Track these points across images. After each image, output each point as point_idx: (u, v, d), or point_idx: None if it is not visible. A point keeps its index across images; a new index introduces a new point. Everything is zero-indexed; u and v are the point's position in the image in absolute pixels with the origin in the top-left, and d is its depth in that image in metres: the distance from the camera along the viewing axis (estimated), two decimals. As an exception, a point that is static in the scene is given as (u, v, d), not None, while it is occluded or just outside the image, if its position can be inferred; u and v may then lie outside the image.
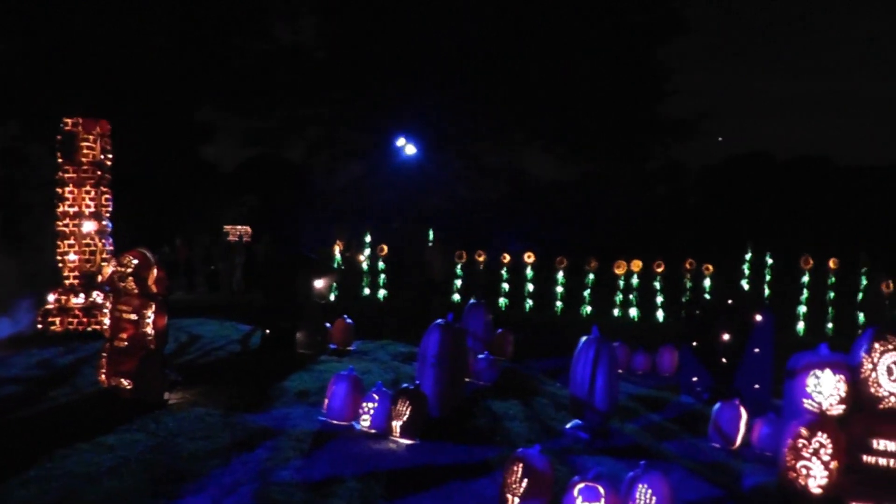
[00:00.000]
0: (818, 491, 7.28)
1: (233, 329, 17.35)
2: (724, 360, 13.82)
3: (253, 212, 42.28)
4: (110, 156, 16.74)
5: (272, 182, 40.96)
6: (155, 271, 10.50)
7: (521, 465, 7.20)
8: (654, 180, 34.17)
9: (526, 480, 7.12)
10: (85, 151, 16.28)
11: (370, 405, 9.67)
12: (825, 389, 7.42)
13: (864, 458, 7.43)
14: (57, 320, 16.04)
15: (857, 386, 7.48)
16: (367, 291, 27.60)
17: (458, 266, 27.50)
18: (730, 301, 14.42)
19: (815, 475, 7.28)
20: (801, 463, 7.32)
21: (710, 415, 11.27)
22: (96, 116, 16.62)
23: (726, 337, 13.81)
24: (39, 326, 16.06)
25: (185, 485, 7.47)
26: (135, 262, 10.56)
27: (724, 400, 11.36)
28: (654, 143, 31.44)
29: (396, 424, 9.31)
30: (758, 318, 13.65)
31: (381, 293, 27.31)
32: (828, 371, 7.45)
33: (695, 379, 14.08)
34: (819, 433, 7.27)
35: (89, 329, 15.96)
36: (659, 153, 32.09)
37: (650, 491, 6.95)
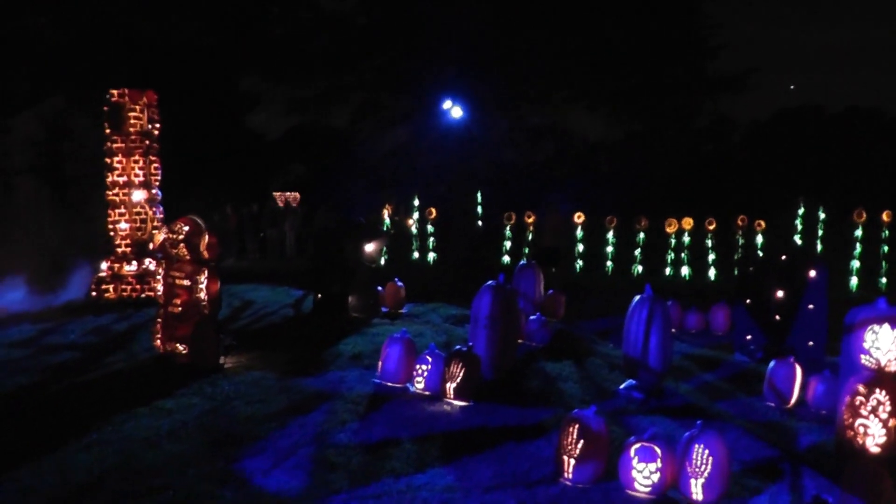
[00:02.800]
0: (876, 450, 7.10)
1: (285, 294, 17.45)
2: (777, 317, 13.61)
3: (300, 179, 42.49)
4: (157, 125, 16.84)
5: (317, 149, 41.10)
6: (206, 237, 10.54)
7: (577, 426, 7.13)
8: (702, 137, 33.58)
9: (582, 442, 7.06)
10: (132, 121, 16.40)
11: (424, 367, 9.65)
12: (883, 345, 7.20)
13: (924, 416, 7.23)
14: (110, 288, 16.26)
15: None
16: (416, 255, 27.59)
17: (507, 228, 27.38)
18: (783, 257, 14.15)
19: (874, 433, 7.09)
20: (858, 421, 7.13)
21: (765, 373, 11.12)
22: (142, 87, 16.70)
23: (780, 294, 13.59)
24: (93, 294, 16.29)
25: (244, 448, 7.52)
26: (186, 228, 10.61)
27: (778, 358, 11.19)
28: (701, 100, 30.81)
29: (450, 386, 9.28)
30: (812, 273, 13.39)
31: (431, 256, 27.30)
32: (886, 326, 7.22)
33: (748, 337, 13.89)
34: (877, 390, 7.07)
35: (142, 296, 16.16)
36: (708, 110, 31.48)
37: (707, 451, 6.84)
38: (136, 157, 16.45)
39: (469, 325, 14.58)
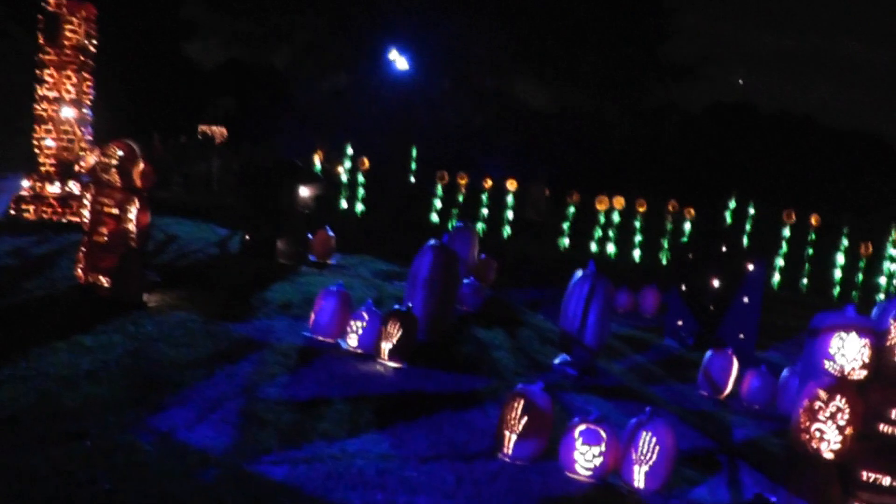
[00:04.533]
0: (830, 456, 7.03)
1: (210, 231, 16.89)
2: (711, 306, 13.64)
3: (229, 114, 41.44)
4: (94, 42, 16.00)
5: (251, 86, 40.10)
6: (141, 165, 9.96)
7: (522, 401, 6.91)
8: (645, 120, 33.64)
9: (526, 418, 6.85)
10: (68, 35, 15.50)
11: (359, 324, 9.32)
12: (849, 353, 7.12)
13: (881, 426, 7.15)
14: (31, 208, 15.44)
15: (882, 353, 7.19)
16: (344, 204, 27.12)
17: (439, 187, 27.07)
18: (724, 247, 14.16)
19: (829, 439, 7.00)
20: (815, 425, 7.03)
21: (700, 362, 11.13)
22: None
23: (716, 283, 13.62)
24: (12, 213, 15.47)
25: (168, 395, 7.09)
26: (119, 153, 10.00)
27: (714, 348, 11.18)
28: (651, 83, 30.83)
29: (385, 346, 8.99)
30: (750, 267, 13.45)
31: (359, 207, 26.87)
32: (853, 334, 7.14)
33: (680, 323, 13.91)
34: (837, 397, 6.97)
35: (63, 220, 15.41)
36: (657, 94, 31.52)
37: (654, 439, 6.70)
38: (69, 73, 15.58)
39: (400, 282, 14.55)
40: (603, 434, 6.76)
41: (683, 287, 13.97)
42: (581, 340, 10.21)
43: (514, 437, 6.85)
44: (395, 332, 8.95)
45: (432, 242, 10.40)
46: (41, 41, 15.52)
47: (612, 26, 27.92)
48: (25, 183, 15.61)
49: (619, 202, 26.24)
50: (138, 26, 28.93)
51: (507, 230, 26.45)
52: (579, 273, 10.56)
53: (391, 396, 7.97)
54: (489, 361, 10.04)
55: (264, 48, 30.63)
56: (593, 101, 30.02)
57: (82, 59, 15.66)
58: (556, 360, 10.49)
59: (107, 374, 7.44)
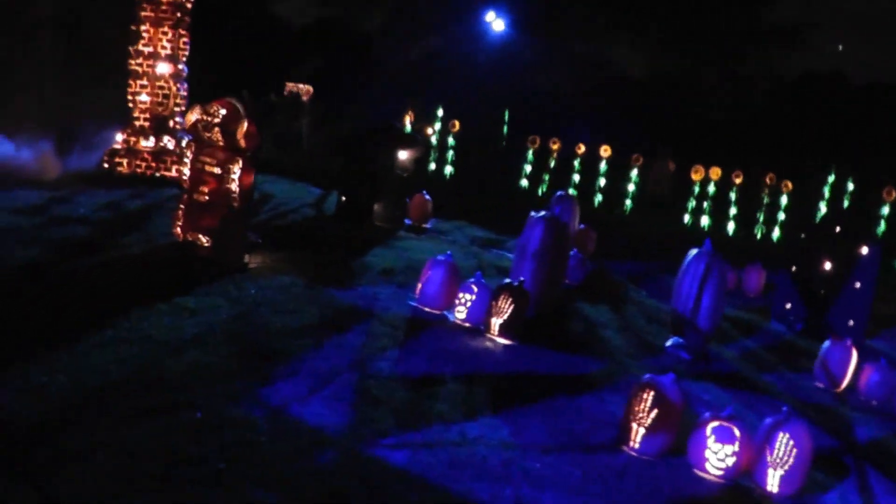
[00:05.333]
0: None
1: (305, 191, 16.67)
2: (822, 290, 12.95)
3: (316, 73, 41.20)
4: (191, -2, 15.80)
5: (340, 45, 39.74)
6: (245, 125, 9.64)
7: (652, 392, 6.43)
8: (741, 87, 32.42)
9: (655, 411, 6.37)
10: (164, -10, 15.35)
11: (467, 297, 8.89)
12: None
13: None
14: (124, 161, 15.37)
15: None
16: (433, 167, 26.73)
17: (530, 152, 26.49)
18: (837, 228, 13.41)
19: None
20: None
21: (811, 349, 10.57)
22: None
23: (827, 266, 12.91)
24: (105, 166, 15.40)
25: (276, 365, 6.77)
26: (223, 112, 9.70)
27: (830, 336, 10.55)
28: (752, 48, 29.64)
29: (495, 322, 8.56)
30: (864, 250, 12.70)
31: (448, 170, 26.46)
32: None
33: (788, 306, 13.27)
34: None
35: (157, 174, 15.31)
36: (758, 60, 30.30)
37: (792, 441, 6.18)
38: (165, 29, 15.43)
39: (498, 250, 14.13)
40: (736, 432, 6.26)
41: (793, 268, 13.30)
42: (694, 323, 9.68)
43: (641, 431, 6.39)
44: (505, 308, 8.52)
45: (542, 213, 9.89)
46: (137, -4, 15.34)
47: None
48: (119, 137, 15.52)
49: (716, 173, 25.38)
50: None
51: (598, 198, 25.79)
52: (694, 251, 10.00)
53: (504, 377, 7.54)
54: (599, 341, 9.56)
55: (354, 9, 30.28)
56: (690, 67, 29.03)
57: (179, 14, 15.49)
58: (669, 343, 9.97)
59: (212, 339, 7.15)
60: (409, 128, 26.26)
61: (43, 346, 6.42)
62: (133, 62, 15.49)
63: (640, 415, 6.41)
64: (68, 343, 6.56)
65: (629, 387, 7.66)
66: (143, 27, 15.40)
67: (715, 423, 6.31)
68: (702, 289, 9.66)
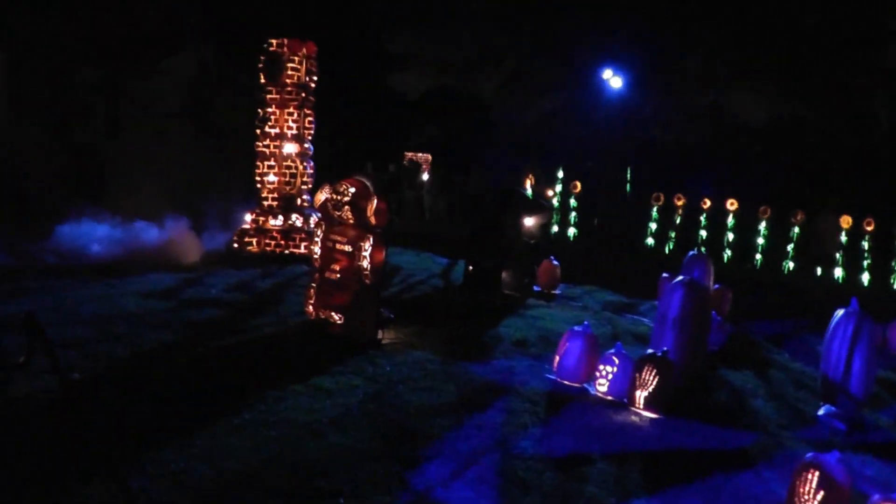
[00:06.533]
0: None
1: (431, 261, 16.65)
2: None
3: (433, 140, 41.65)
4: (315, 78, 16.15)
5: (457, 112, 40.12)
6: (375, 202, 9.66)
7: (817, 473, 5.98)
8: (869, 128, 31.17)
9: (821, 493, 5.91)
10: (289, 73, 15.73)
11: (609, 369, 8.58)
12: None
13: None
14: (254, 241, 15.67)
15: None
16: (555, 229, 26.47)
17: (655, 209, 25.98)
18: None
19: None
20: None
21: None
22: (300, 38, 15.98)
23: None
24: (235, 246, 15.74)
25: (417, 447, 6.61)
26: (352, 190, 9.76)
27: None
28: (876, 87, 28.48)
29: (640, 395, 8.20)
30: None
31: (571, 232, 26.16)
32: None
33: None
34: None
35: (286, 252, 15.54)
36: (882, 101, 29.09)
37: (979, 530, 5.62)
38: (291, 110, 15.80)
39: (631, 315, 13.73)
40: (910, 513, 5.75)
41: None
42: (846, 389, 9.09)
43: (808, 513, 5.95)
44: (650, 380, 8.17)
45: (680, 277, 9.53)
46: (263, 80, 15.76)
47: (836, 29, 25.98)
48: (248, 217, 15.84)
49: (846, 221, 24.33)
50: (349, 61, 29.43)
51: (727, 253, 25.03)
52: (840, 312, 9.42)
53: (655, 454, 7.16)
54: (748, 411, 9.06)
55: (470, 75, 30.54)
56: (814, 112, 28.08)
57: (303, 95, 15.86)
58: (821, 412, 9.37)
59: (351, 421, 7.06)
60: (530, 191, 26.16)
61: (179, 430, 6.43)
62: (260, 144, 15.87)
63: (806, 497, 5.96)
64: (205, 427, 6.57)
65: (786, 462, 7.22)
66: (269, 109, 15.80)
67: (885, 504, 5.82)
68: (852, 352, 9.09)
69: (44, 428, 6.17)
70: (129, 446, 6.03)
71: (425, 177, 28.95)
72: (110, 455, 5.78)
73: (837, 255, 23.95)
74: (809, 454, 6.28)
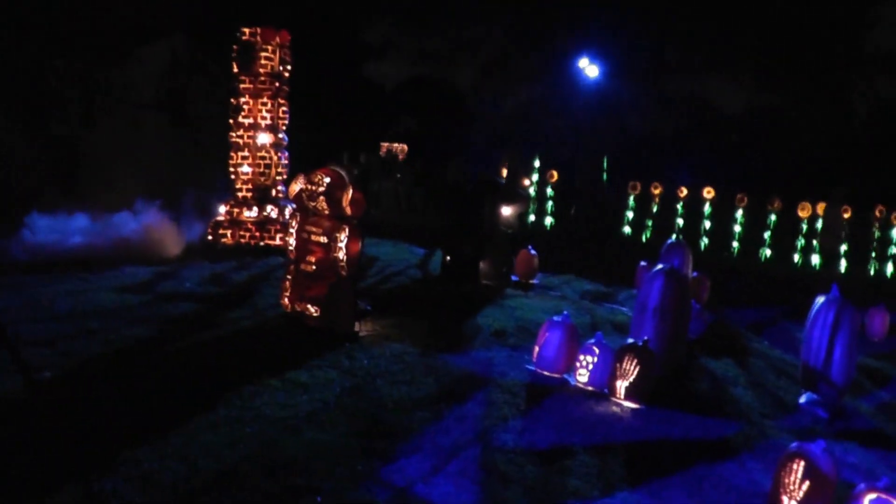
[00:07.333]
0: None
1: (408, 252, 16.52)
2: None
3: (409, 131, 41.51)
4: (289, 67, 15.95)
5: (432, 103, 39.96)
6: (350, 192, 9.51)
7: (802, 463, 5.90)
8: (848, 118, 31.21)
9: (807, 483, 5.84)
10: (263, 62, 15.51)
11: (589, 359, 8.48)
12: None
13: None
14: (228, 233, 15.47)
15: None
16: (532, 218, 26.41)
17: (631, 198, 25.99)
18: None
19: None
20: None
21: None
22: (274, 27, 15.76)
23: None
24: (209, 238, 15.53)
25: (396, 441, 6.47)
26: (327, 180, 9.60)
27: None
28: (855, 77, 28.50)
29: (621, 385, 8.11)
30: None
31: (548, 221, 26.11)
32: None
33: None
34: None
35: (261, 244, 15.35)
36: (860, 90, 29.09)
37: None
38: (265, 100, 15.59)
39: (609, 304, 13.68)
40: (898, 504, 5.68)
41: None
42: (828, 376, 9.05)
43: (793, 504, 5.87)
44: (631, 369, 8.08)
45: (662, 266, 9.44)
46: (236, 70, 15.54)
47: (813, 16, 25.96)
48: (222, 209, 15.64)
49: (823, 209, 24.46)
50: (324, 50, 29.17)
51: (703, 241, 25.08)
52: (821, 299, 9.37)
53: (637, 445, 7.07)
54: (729, 400, 9.00)
55: (447, 66, 30.34)
56: (791, 100, 28.06)
57: (277, 85, 15.65)
58: (802, 400, 9.33)
59: (328, 416, 6.92)
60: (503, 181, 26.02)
61: (152, 428, 6.25)
62: (234, 134, 15.66)
63: (791, 487, 5.89)
64: (179, 424, 6.40)
65: (770, 451, 7.18)
66: (242, 99, 15.58)
67: (873, 496, 5.72)
68: (833, 339, 9.04)
69: (7, 430, 5.99)
70: (101, 446, 5.86)
71: (399, 167, 28.81)
72: (79, 456, 5.63)
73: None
74: (794, 444, 6.20)
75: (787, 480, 5.93)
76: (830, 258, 24.05)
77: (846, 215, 24.05)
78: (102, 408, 6.68)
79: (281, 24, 16.05)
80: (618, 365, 8.17)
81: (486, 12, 26.70)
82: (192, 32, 21.01)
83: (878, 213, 24.53)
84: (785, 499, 5.91)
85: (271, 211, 15.55)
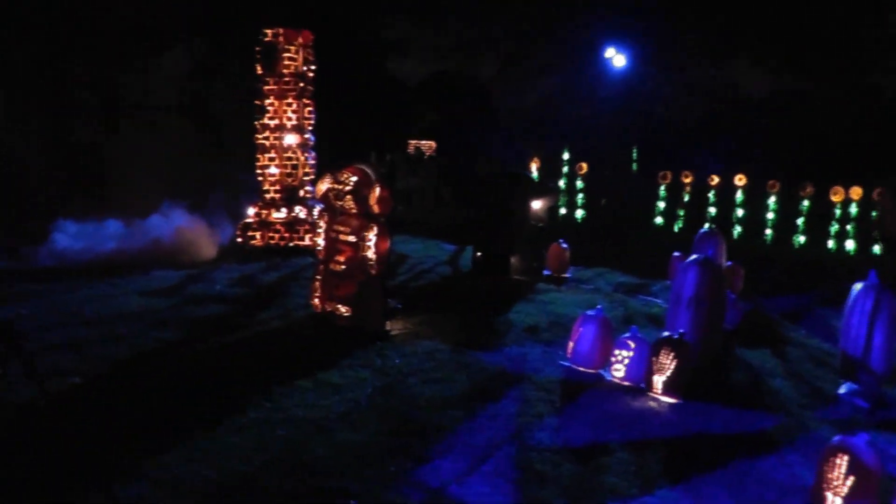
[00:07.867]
0: None
1: (437, 248, 16.41)
2: None
3: (433, 127, 41.39)
4: (313, 67, 15.89)
5: (456, 97, 39.82)
6: (378, 190, 9.41)
7: (846, 458, 5.71)
8: (879, 100, 30.72)
9: (852, 478, 5.65)
10: (286, 62, 15.48)
11: (624, 353, 8.31)
12: None
13: None
14: (257, 234, 15.46)
15: None
16: (563, 211, 26.16)
17: (662, 188, 25.67)
18: None
19: None
20: None
21: None
22: (297, 27, 15.70)
23: None
24: (238, 240, 15.52)
25: (430, 441, 6.36)
26: (354, 179, 9.51)
27: None
28: (880, 59, 28.03)
29: (658, 379, 7.94)
30: None
31: (579, 213, 25.86)
32: None
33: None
34: None
35: (290, 244, 15.32)
36: (889, 66, 28.59)
37: None
38: (290, 100, 15.55)
39: (644, 296, 13.47)
40: (950, 497, 5.50)
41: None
42: (867, 365, 8.80)
43: (837, 501, 5.68)
44: (668, 363, 7.90)
45: (696, 257, 9.24)
46: (259, 71, 15.50)
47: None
48: (251, 210, 15.62)
49: (856, 192, 24.00)
50: (346, 48, 29.15)
51: (736, 229, 24.72)
52: (859, 286, 9.11)
53: (675, 440, 6.89)
54: (768, 392, 8.78)
55: (469, 59, 30.22)
56: (817, 81, 27.64)
57: (301, 85, 15.59)
58: (842, 390, 9.08)
59: (359, 416, 6.83)
60: (536, 175, 25.84)
61: (181, 432, 6.23)
62: (260, 136, 15.62)
63: (835, 482, 5.70)
64: (208, 428, 6.37)
65: (810, 443, 6.98)
66: (267, 101, 15.54)
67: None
68: (872, 326, 8.79)
69: (27, 439, 5.95)
70: (128, 451, 5.82)
71: (425, 164, 28.69)
72: (103, 462, 5.58)
73: (848, 227, 23.63)
74: (836, 437, 6.00)
75: (830, 476, 5.74)
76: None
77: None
78: (130, 412, 6.64)
79: (303, 24, 16.00)
80: (654, 359, 7.99)
81: (507, 3, 26.53)
82: (213, 35, 21.01)
83: (912, 195, 23.99)
84: (829, 495, 5.72)
85: (300, 211, 15.51)
